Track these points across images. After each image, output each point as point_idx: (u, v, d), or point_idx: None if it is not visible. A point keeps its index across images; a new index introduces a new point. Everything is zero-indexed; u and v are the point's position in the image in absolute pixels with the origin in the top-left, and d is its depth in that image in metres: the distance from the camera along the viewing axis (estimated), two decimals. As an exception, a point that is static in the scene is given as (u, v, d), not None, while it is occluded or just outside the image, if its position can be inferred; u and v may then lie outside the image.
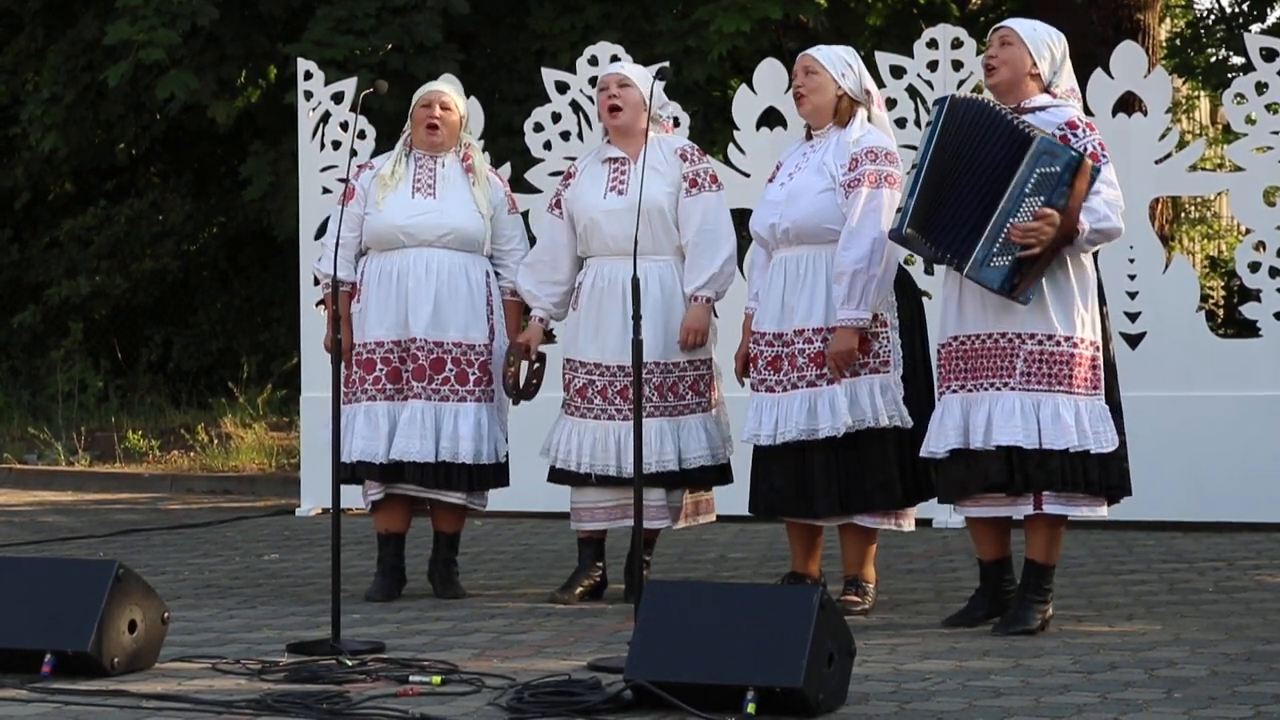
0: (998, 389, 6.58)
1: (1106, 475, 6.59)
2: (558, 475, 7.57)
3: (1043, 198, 6.39)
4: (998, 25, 6.83)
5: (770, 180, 7.32)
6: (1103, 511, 6.69)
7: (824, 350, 7.01)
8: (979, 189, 6.48)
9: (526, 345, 7.62)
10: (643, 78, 7.56)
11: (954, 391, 6.68)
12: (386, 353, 7.61)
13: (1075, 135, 6.55)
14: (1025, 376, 6.54)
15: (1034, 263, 6.44)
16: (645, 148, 7.03)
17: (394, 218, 7.62)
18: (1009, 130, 6.45)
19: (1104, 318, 6.68)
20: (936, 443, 6.70)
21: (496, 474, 7.69)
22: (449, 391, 7.58)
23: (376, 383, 7.60)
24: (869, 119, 7.18)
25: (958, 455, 6.65)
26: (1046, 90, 6.70)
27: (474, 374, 7.62)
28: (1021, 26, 6.75)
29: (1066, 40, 6.82)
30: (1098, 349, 6.61)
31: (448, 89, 7.85)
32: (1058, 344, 6.54)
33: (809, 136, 7.28)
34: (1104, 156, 6.56)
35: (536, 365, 7.61)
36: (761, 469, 7.17)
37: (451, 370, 7.59)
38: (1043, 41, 6.71)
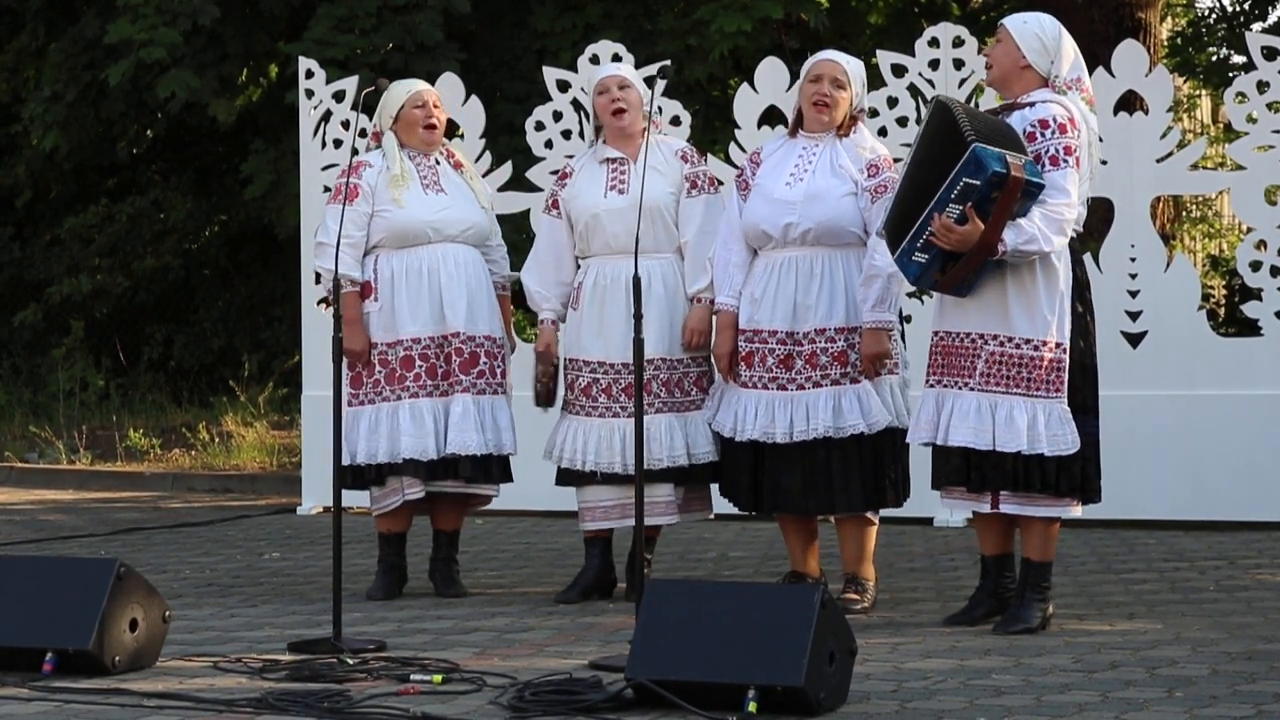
0: (959, 388, 6.63)
1: (1069, 477, 6.61)
2: (564, 476, 7.57)
3: (962, 206, 6.40)
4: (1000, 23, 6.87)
5: (741, 174, 7.33)
6: (1075, 511, 6.71)
7: (846, 349, 7.06)
8: (922, 186, 6.53)
9: (550, 353, 7.59)
10: (636, 77, 7.60)
11: (930, 386, 6.76)
12: (424, 349, 7.59)
13: (1043, 134, 6.55)
14: (984, 377, 6.61)
15: (953, 264, 6.47)
16: (645, 146, 7.07)
17: (421, 214, 7.61)
18: (956, 133, 6.45)
19: (1081, 319, 6.66)
20: (912, 435, 6.85)
21: (506, 466, 7.74)
22: (484, 385, 7.60)
23: (417, 379, 7.57)
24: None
25: (931, 448, 6.75)
26: (1047, 82, 6.70)
27: (500, 366, 7.67)
28: (1012, 21, 6.78)
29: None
30: (1064, 351, 6.60)
31: (431, 86, 7.86)
32: (1018, 346, 6.57)
33: (794, 134, 7.29)
34: (1065, 161, 6.54)
35: (554, 370, 7.61)
36: (767, 466, 7.17)
37: (485, 364, 7.61)
38: (1031, 33, 6.72)
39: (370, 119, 10.72)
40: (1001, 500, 6.63)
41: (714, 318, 7.35)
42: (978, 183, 6.37)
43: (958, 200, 6.41)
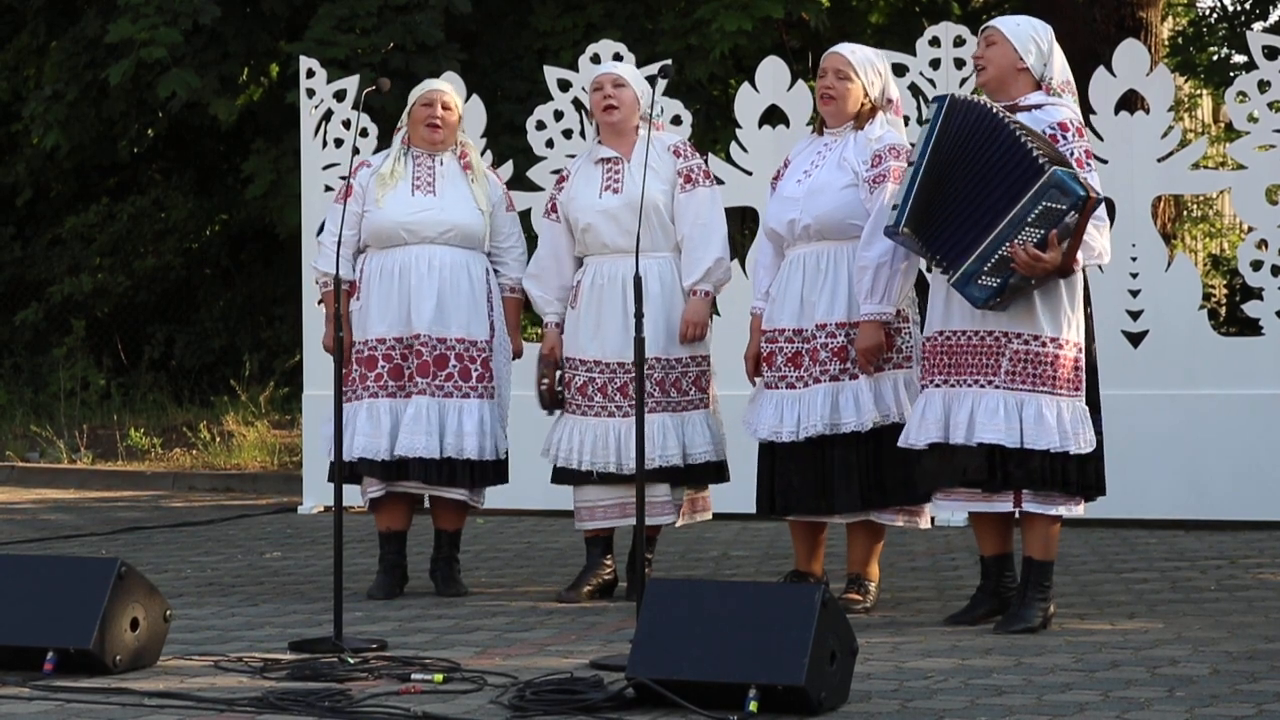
0: (981, 386, 6.60)
1: (1084, 476, 6.62)
2: (560, 475, 7.57)
3: (1043, 230, 6.36)
4: (984, 26, 6.85)
5: (776, 178, 7.32)
6: (1079, 511, 6.71)
7: (846, 345, 7.03)
8: (979, 201, 6.47)
9: (554, 356, 7.60)
10: (635, 77, 7.59)
11: (936, 385, 6.71)
12: (388, 350, 7.62)
13: (1065, 138, 6.54)
14: (1010, 375, 6.57)
15: (1022, 287, 6.46)
16: (642, 145, 7.05)
17: (394, 214, 7.62)
18: (1018, 150, 6.40)
19: (1088, 318, 6.69)
20: (916, 435, 6.74)
21: (497, 471, 7.71)
22: (452, 388, 7.59)
23: (379, 380, 7.61)
24: (886, 120, 7.21)
25: (934, 449, 6.69)
26: (1040, 84, 6.70)
27: (476, 370, 7.63)
28: (1005, 24, 6.76)
29: (1069, 39, 6.80)
30: (1081, 350, 6.62)
31: (448, 88, 7.85)
32: (1043, 345, 6.56)
33: (819, 131, 7.28)
34: (1088, 164, 6.55)
35: (560, 373, 7.60)
36: (777, 467, 7.15)
37: (455, 366, 7.60)
38: (1027, 36, 6.71)
39: (370, 119, 10.82)
40: (1024, 499, 6.61)
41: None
42: (1063, 208, 6.32)
43: (1036, 224, 6.34)
